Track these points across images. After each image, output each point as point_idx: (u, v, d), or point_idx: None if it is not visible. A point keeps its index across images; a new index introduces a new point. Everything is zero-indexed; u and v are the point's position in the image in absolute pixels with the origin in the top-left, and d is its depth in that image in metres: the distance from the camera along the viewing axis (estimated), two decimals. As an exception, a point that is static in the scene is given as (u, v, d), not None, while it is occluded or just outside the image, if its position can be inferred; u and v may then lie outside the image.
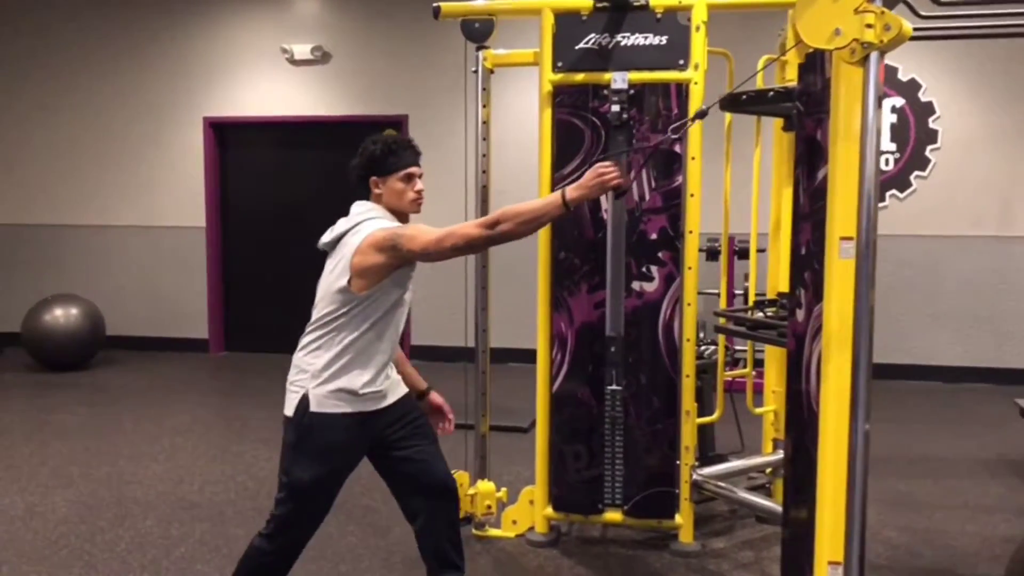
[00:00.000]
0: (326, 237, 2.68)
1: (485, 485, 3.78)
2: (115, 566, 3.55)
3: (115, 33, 7.91)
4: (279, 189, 7.96)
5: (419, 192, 2.69)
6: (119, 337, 7.93)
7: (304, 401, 2.57)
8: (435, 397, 2.99)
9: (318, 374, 2.57)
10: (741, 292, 5.87)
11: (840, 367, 2.50)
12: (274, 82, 7.74)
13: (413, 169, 2.68)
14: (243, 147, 8.05)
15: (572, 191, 2.51)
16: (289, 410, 2.61)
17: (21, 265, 8.29)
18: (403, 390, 2.79)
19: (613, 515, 3.66)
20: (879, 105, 2.27)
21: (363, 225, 2.59)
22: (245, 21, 7.73)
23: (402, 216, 2.70)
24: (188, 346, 8.02)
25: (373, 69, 7.59)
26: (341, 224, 2.66)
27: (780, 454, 3.96)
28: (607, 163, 2.55)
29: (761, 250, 4.43)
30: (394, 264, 2.52)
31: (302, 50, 7.54)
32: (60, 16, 7.99)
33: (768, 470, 4.13)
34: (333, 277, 2.59)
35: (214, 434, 5.49)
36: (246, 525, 3.93)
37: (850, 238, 2.43)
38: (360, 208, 2.68)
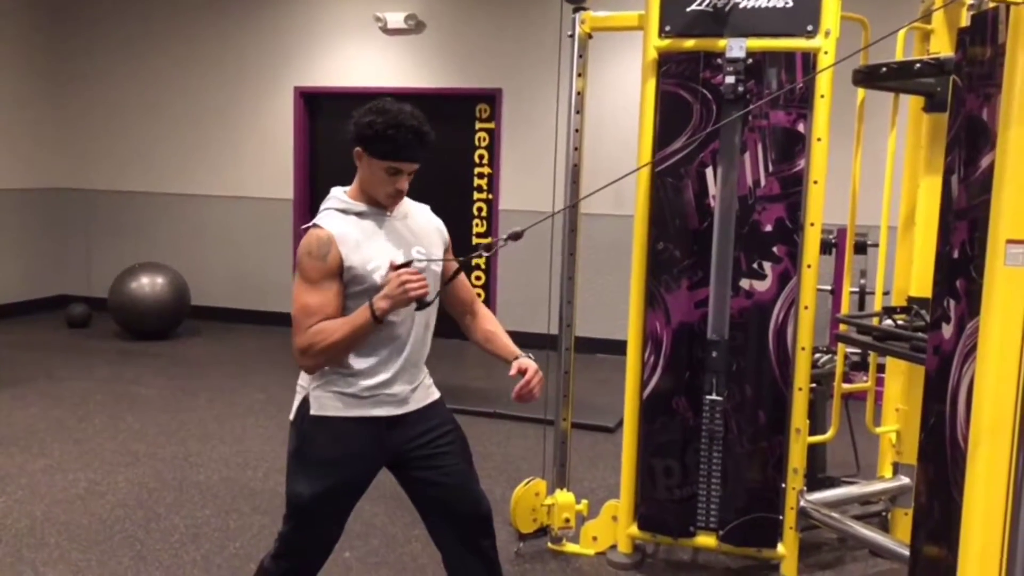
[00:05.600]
0: None
1: (564, 496, 3.43)
2: (165, 558, 3.34)
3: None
4: (368, 163, 7.69)
5: (399, 191, 2.27)
6: (204, 308, 7.84)
7: (304, 404, 2.27)
8: (521, 363, 2.30)
9: (320, 374, 2.25)
10: (856, 290, 5.33)
11: (999, 397, 2.07)
12: (366, 51, 7.47)
13: (402, 165, 2.25)
14: (333, 118, 7.81)
15: (379, 302, 2.13)
16: (292, 414, 2.31)
17: (113, 231, 8.27)
18: (432, 397, 2.37)
19: (706, 540, 3.26)
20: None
21: (316, 220, 2.33)
22: (339, -13, 7.49)
23: (376, 203, 2.31)
24: (272, 320, 7.86)
25: (467, 39, 7.23)
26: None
27: (900, 480, 3.49)
28: (412, 271, 2.14)
29: (873, 245, 3.97)
30: None
31: (395, 19, 7.23)
32: (157, -19, 7.91)
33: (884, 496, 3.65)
34: None
35: (286, 415, 5.23)
36: (306, 521, 3.68)
37: (1021, 241, 1.99)
38: (331, 194, 2.39)
